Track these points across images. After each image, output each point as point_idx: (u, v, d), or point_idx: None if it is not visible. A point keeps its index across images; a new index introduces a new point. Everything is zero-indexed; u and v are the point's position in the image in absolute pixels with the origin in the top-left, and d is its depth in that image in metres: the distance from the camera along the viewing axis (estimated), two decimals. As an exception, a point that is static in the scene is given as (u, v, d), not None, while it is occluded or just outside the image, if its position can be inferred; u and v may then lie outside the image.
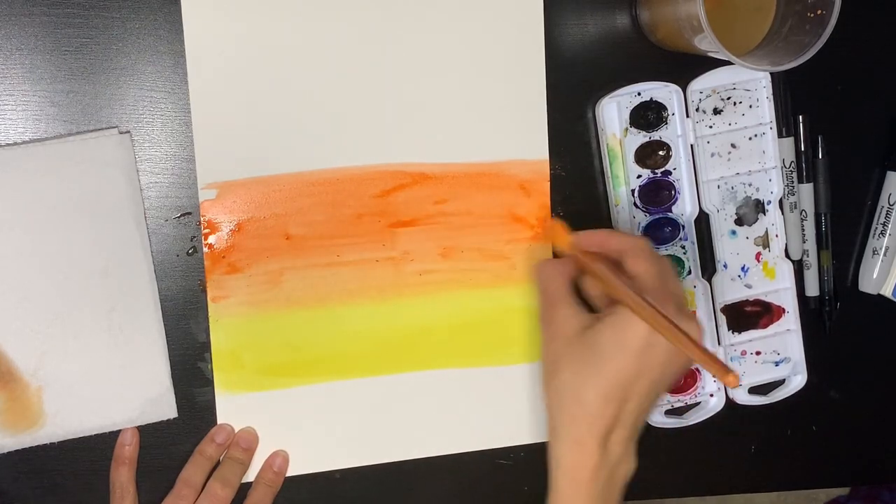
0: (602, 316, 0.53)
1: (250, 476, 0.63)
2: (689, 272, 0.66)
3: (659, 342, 0.51)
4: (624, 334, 0.51)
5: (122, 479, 0.60)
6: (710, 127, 0.65)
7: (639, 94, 0.63)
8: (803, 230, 0.68)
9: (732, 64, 0.56)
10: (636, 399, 0.52)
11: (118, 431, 0.61)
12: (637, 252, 0.54)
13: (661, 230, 0.65)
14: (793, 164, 0.66)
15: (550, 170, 0.64)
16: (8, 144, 0.58)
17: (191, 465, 0.61)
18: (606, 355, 0.51)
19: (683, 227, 0.66)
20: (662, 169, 0.65)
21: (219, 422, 0.62)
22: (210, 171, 0.60)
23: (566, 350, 0.53)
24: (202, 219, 0.60)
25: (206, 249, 0.61)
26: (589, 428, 0.51)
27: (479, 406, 0.66)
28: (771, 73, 0.64)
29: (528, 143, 0.64)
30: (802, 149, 0.67)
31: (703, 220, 0.66)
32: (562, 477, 0.53)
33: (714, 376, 0.53)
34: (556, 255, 0.63)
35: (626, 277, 0.53)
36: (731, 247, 0.67)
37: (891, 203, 0.68)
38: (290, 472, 0.64)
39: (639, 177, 0.65)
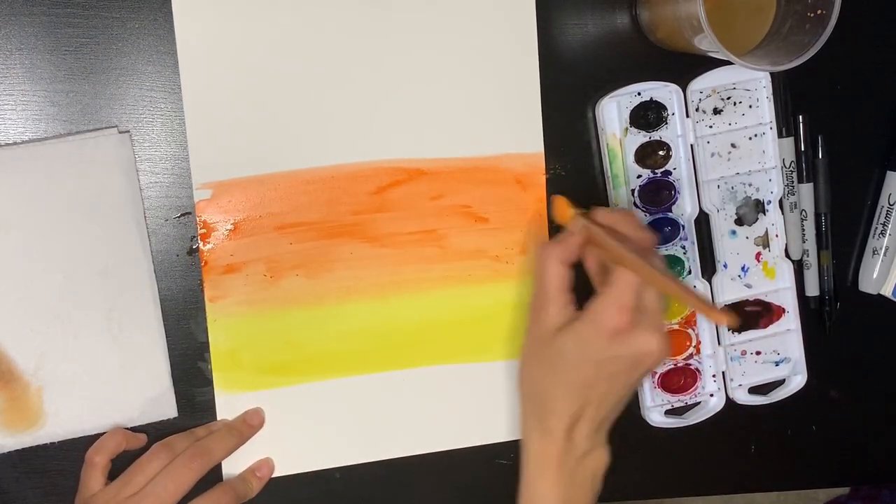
0: (575, 319, 0.54)
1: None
2: (689, 272, 0.66)
3: (620, 354, 0.53)
4: (584, 346, 0.53)
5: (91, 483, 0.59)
6: (710, 127, 0.65)
7: (639, 94, 0.63)
8: (803, 230, 0.68)
9: (732, 64, 0.56)
10: (597, 400, 0.55)
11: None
12: (628, 221, 0.56)
13: (661, 230, 0.65)
14: (793, 164, 0.66)
15: (550, 170, 0.64)
16: (8, 144, 0.58)
17: (177, 436, 0.60)
18: (569, 363, 0.54)
19: (683, 227, 0.66)
20: (662, 169, 0.65)
21: (218, 416, 0.62)
22: (204, 171, 0.60)
23: (540, 349, 0.56)
24: (197, 219, 0.60)
25: (202, 250, 0.61)
26: (554, 419, 0.55)
27: (477, 402, 0.66)
28: (771, 73, 0.64)
29: (523, 137, 0.64)
30: (802, 149, 0.67)
31: (703, 220, 0.66)
32: (530, 461, 0.57)
33: (717, 323, 0.55)
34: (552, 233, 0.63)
35: (626, 243, 0.55)
36: (731, 247, 0.67)
37: (891, 203, 0.68)
38: (291, 471, 0.64)
39: (639, 177, 0.65)
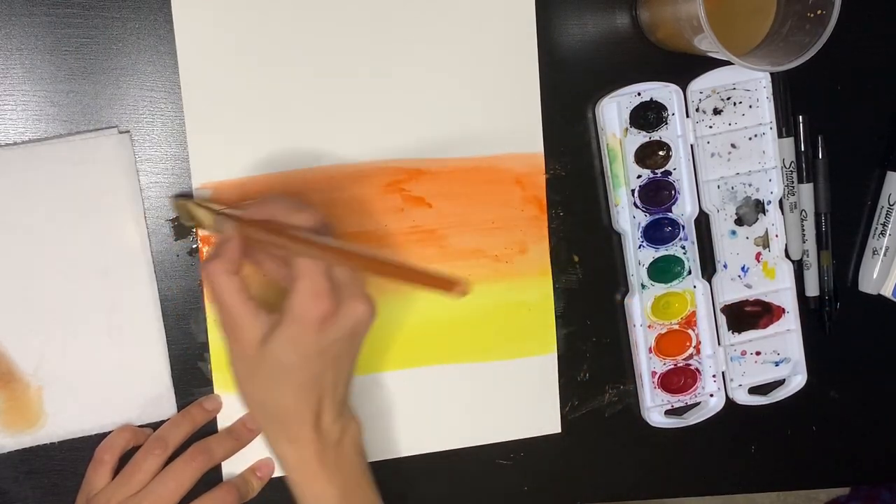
0: (276, 324, 0.52)
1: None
2: (689, 272, 0.66)
3: (336, 337, 0.51)
4: (298, 345, 0.51)
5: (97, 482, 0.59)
6: (710, 127, 0.65)
7: (639, 94, 0.63)
8: (803, 230, 0.68)
9: (732, 64, 0.56)
10: (331, 387, 0.54)
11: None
12: (282, 207, 0.53)
13: (661, 230, 0.65)
14: (793, 164, 0.66)
15: (550, 170, 0.64)
16: (8, 144, 0.58)
17: (169, 424, 0.60)
18: (290, 368, 0.52)
19: (683, 227, 0.66)
20: (662, 169, 0.65)
21: (219, 422, 0.62)
22: (204, 171, 0.60)
23: (253, 367, 0.53)
24: (200, 219, 0.60)
25: (202, 250, 0.61)
26: (298, 426, 0.54)
27: (477, 402, 0.66)
28: (771, 73, 0.64)
29: (523, 137, 0.64)
30: (802, 149, 0.67)
31: (703, 220, 0.66)
32: (294, 472, 0.56)
33: (442, 292, 0.47)
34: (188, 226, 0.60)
35: (291, 231, 0.51)
36: (731, 247, 0.67)
37: (891, 203, 0.68)
38: (290, 472, 0.64)
39: (639, 177, 0.65)
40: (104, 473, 0.58)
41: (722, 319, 0.67)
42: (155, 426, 0.61)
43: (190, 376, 0.62)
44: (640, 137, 0.64)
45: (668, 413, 0.68)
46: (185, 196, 0.59)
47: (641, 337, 0.66)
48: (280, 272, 0.55)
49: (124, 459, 0.59)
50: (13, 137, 0.58)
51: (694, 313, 0.67)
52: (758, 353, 0.68)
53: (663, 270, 0.66)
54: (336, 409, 0.55)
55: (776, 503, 1.48)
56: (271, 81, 0.60)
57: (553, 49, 0.63)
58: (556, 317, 0.66)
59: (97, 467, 0.58)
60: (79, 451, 0.60)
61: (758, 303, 0.68)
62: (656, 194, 0.65)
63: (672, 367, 0.67)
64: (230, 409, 0.62)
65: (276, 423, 0.55)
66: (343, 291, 0.52)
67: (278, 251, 0.53)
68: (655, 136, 0.64)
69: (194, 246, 0.61)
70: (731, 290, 0.67)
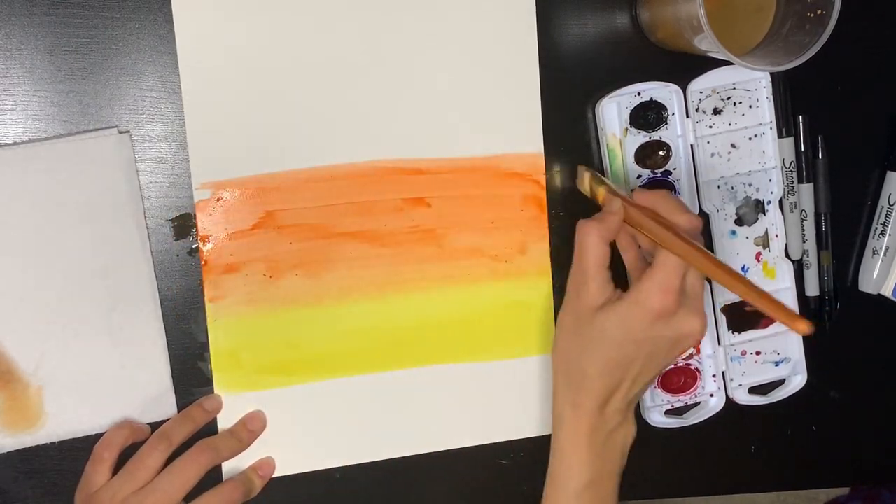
0: (615, 299, 0.56)
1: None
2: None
3: (662, 335, 0.55)
4: (628, 325, 0.54)
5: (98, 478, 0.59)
6: (710, 127, 0.65)
7: (639, 94, 0.63)
8: (803, 230, 0.68)
9: (732, 64, 0.56)
10: (632, 377, 0.56)
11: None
12: (670, 203, 0.57)
13: (661, 230, 0.65)
14: (793, 164, 0.66)
15: (550, 170, 0.64)
16: (8, 144, 0.58)
17: (173, 422, 0.60)
18: (609, 341, 0.55)
19: (683, 227, 0.65)
20: (662, 169, 0.65)
21: (219, 422, 0.62)
22: (204, 171, 0.60)
23: (578, 325, 0.57)
24: (197, 219, 0.60)
25: (202, 250, 0.61)
26: (588, 395, 0.57)
27: (477, 401, 0.66)
28: (771, 73, 0.64)
29: (523, 137, 0.64)
30: (802, 149, 0.67)
31: (703, 221, 0.66)
32: (562, 434, 0.58)
33: (782, 323, 0.51)
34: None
35: (667, 226, 0.55)
36: (731, 247, 0.67)
37: (891, 203, 0.68)
38: (291, 471, 0.64)
39: (639, 177, 0.65)
40: (103, 471, 0.58)
41: (722, 319, 0.67)
42: (155, 426, 0.61)
43: (190, 376, 0.62)
44: (640, 137, 0.64)
45: (668, 413, 0.68)
46: (591, 168, 0.62)
47: (641, 337, 0.66)
48: (633, 261, 0.59)
49: (123, 457, 0.59)
50: (13, 137, 0.58)
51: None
52: (758, 353, 0.68)
53: (663, 270, 0.66)
54: (626, 400, 0.57)
55: (776, 503, 1.48)
56: (271, 81, 0.60)
57: (553, 49, 0.63)
58: (556, 316, 0.66)
59: (96, 464, 0.58)
60: (79, 451, 0.60)
61: (758, 303, 0.68)
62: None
63: (672, 367, 0.67)
64: (231, 409, 0.62)
65: (570, 384, 0.58)
66: (688, 300, 0.55)
67: (647, 240, 0.57)
68: (655, 136, 0.64)
69: (194, 246, 0.61)
70: (731, 290, 0.67)
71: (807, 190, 0.67)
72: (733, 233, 0.66)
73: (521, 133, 0.64)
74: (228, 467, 0.62)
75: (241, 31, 0.59)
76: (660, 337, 0.55)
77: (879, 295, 0.70)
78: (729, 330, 0.68)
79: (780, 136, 0.66)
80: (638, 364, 0.56)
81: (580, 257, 0.57)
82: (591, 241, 0.56)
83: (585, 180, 0.61)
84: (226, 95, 0.60)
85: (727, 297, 0.67)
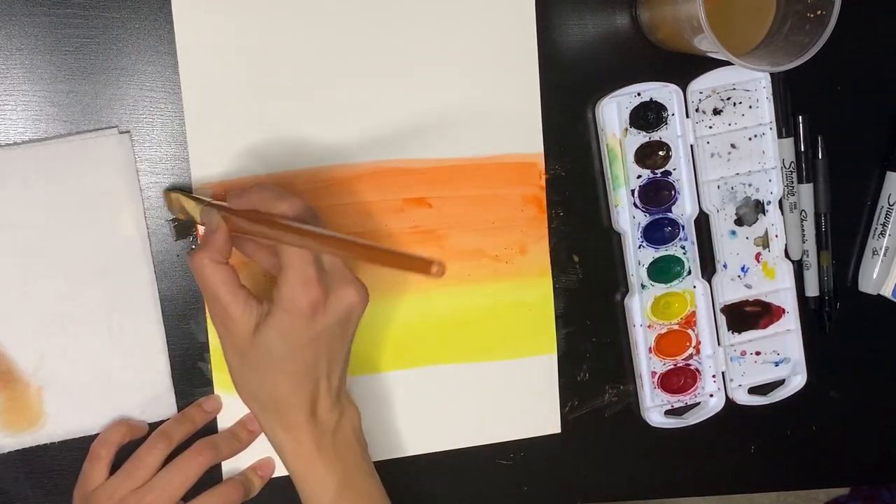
0: (266, 314, 0.52)
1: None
2: (689, 272, 0.66)
3: (327, 324, 0.52)
4: (290, 335, 0.52)
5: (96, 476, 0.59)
6: (710, 127, 0.65)
7: (639, 94, 0.63)
8: (803, 230, 0.68)
9: (732, 64, 0.56)
10: (324, 375, 0.54)
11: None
12: (265, 197, 0.52)
13: (661, 230, 0.65)
14: (793, 165, 0.66)
15: (550, 170, 0.64)
16: (8, 144, 0.58)
17: (172, 421, 0.60)
18: (283, 357, 0.52)
19: (683, 227, 0.66)
20: (662, 169, 0.65)
21: (219, 422, 0.62)
22: (204, 171, 0.60)
23: (245, 357, 0.54)
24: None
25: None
26: (293, 413, 0.54)
27: (477, 401, 0.66)
28: (771, 73, 0.64)
29: (523, 137, 0.64)
30: (802, 149, 0.67)
31: (703, 221, 0.66)
32: (292, 459, 0.56)
33: (420, 273, 0.47)
34: (181, 221, 0.60)
35: (281, 221, 0.51)
36: (731, 247, 0.67)
37: (891, 203, 0.68)
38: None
39: (639, 177, 0.65)
40: (101, 468, 0.58)
41: (722, 319, 0.67)
42: (155, 426, 0.61)
43: (190, 376, 0.62)
44: (640, 137, 0.64)
45: (668, 413, 0.68)
46: (176, 188, 0.59)
47: (641, 337, 0.66)
48: (270, 261, 0.55)
49: (121, 455, 0.59)
50: (13, 137, 0.58)
51: (694, 313, 0.67)
52: (758, 353, 0.68)
53: (663, 270, 0.66)
54: (332, 396, 0.55)
55: (776, 503, 1.48)
56: (271, 81, 0.60)
57: (553, 49, 0.63)
58: (556, 317, 0.66)
59: (94, 463, 0.58)
60: (79, 451, 0.60)
61: (758, 303, 0.68)
62: (656, 194, 0.65)
63: (672, 367, 0.67)
64: (231, 409, 0.62)
65: (271, 413, 0.55)
66: (332, 278, 0.52)
67: (265, 241, 0.53)
68: (655, 136, 0.64)
69: (194, 246, 0.61)
70: (731, 290, 0.67)
71: (807, 190, 0.67)
72: (733, 233, 0.67)
73: (521, 133, 0.64)
74: (228, 467, 0.62)
75: (241, 31, 0.59)
76: (326, 327, 0.52)
77: (879, 295, 0.70)
78: (729, 330, 0.68)
79: (780, 136, 0.66)
80: (322, 361, 0.53)
81: (207, 291, 0.52)
82: (208, 270, 0.52)
83: (174, 203, 0.58)
84: (226, 95, 0.60)
85: (727, 297, 0.67)
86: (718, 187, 0.66)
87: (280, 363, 0.53)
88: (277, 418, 0.55)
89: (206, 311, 0.61)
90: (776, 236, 0.67)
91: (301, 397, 0.54)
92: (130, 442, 0.60)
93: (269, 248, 0.54)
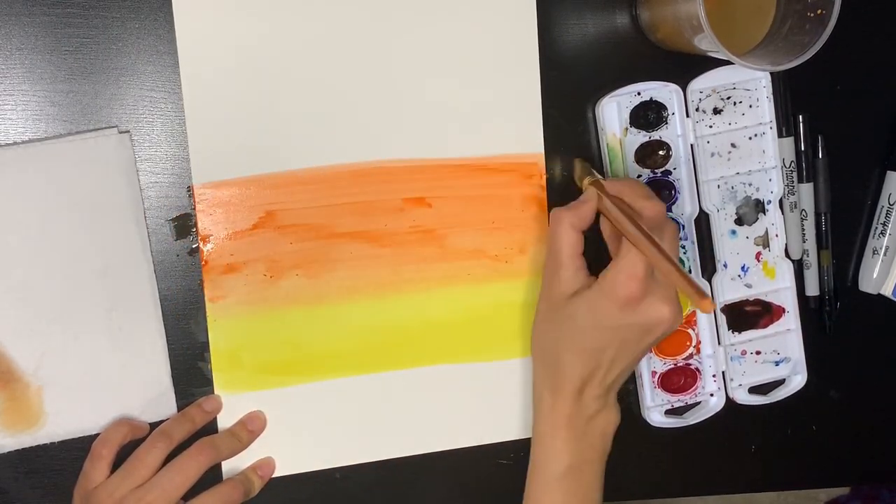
0: (587, 287, 0.56)
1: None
2: (690, 271, 0.66)
3: (631, 322, 0.55)
4: (596, 313, 0.55)
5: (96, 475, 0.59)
6: (710, 127, 0.65)
7: (639, 93, 0.63)
8: (803, 230, 0.68)
9: (732, 64, 0.56)
10: (606, 364, 0.57)
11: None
12: (634, 191, 0.57)
13: (661, 230, 0.65)
14: (793, 164, 0.66)
15: (550, 170, 0.64)
16: (8, 144, 0.58)
17: (172, 421, 0.60)
18: (580, 328, 0.56)
19: (683, 226, 0.66)
20: (662, 169, 0.65)
21: (219, 422, 0.62)
22: (204, 171, 0.60)
23: (553, 313, 0.58)
24: (197, 219, 0.60)
25: (202, 249, 0.61)
26: (564, 380, 0.57)
27: (477, 402, 0.66)
28: (771, 73, 0.64)
29: (523, 137, 0.64)
30: (802, 149, 0.67)
31: (703, 220, 0.66)
32: (542, 419, 0.59)
33: (700, 309, 0.52)
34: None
35: (635, 217, 0.55)
36: (731, 246, 0.67)
37: (891, 203, 0.68)
38: (291, 471, 0.64)
39: (639, 177, 0.65)
40: (102, 468, 0.58)
41: (722, 319, 0.67)
42: (155, 427, 0.61)
43: (190, 376, 0.62)
44: (640, 137, 0.64)
45: (668, 413, 0.68)
46: (584, 161, 0.63)
47: (641, 337, 0.66)
48: (614, 244, 0.58)
49: (122, 454, 0.59)
50: (13, 137, 0.58)
51: (694, 313, 0.67)
52: (758, 353, 0.68)
53: (663, 270, 0.66)
54: (603, 387, 0.57)
55: (776, 503, 1.48)
56: (271, 81, 0.60)
57: (553, 49, 0.63)
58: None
59: (95, 462, 0.58)
60: (79, 451, 0.60)
61: (758, 302, 0.68)
62: (656, 194, 0.65)
63: (672, 366, 0.67)
64: (231, 409, 0.62)
65: (547, 369, 0.58)
66: (657, 287, 0.55)
67: (616, 226, 0.57)
68: (655, 135, 0.64)
69: (194, 246, 0.61)
70: (731, 290, 0.67)
71: (807, 190, 0.67)
72: (733, 233, 0.66)
73: (522, 133, 0.64)
74: (228, 467, 0.62)
75: (242, 31, 0.59)
76: (629, 324, 0.55)
77: (879, 295, 0.70)
78: (729, 330, 0.68)
79: (780, 135, 0.66)
80: (611, 351, 0.56)
81: (552, 245, 0.57)
82: (563, 229, 0.56)
83: (577, 171, 0.62)
84: (226, 95, 0.60)
85: (727, 296, 0.67)
86: (718, 187, 0.66)
87: (575, 333, 0.56)
88: (550, 376, 0.58)
89: (206, 310, 0.61)
90: (776, 236, 0.67)
91: (577, 371, 0.56)
92: (131, 441, 0.60)
93: (617, 233, 0.57)
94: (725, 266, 0.67)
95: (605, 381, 0.57)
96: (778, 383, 0.70)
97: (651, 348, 0.59)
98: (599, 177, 0.60)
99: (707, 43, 0.55)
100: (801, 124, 0.66)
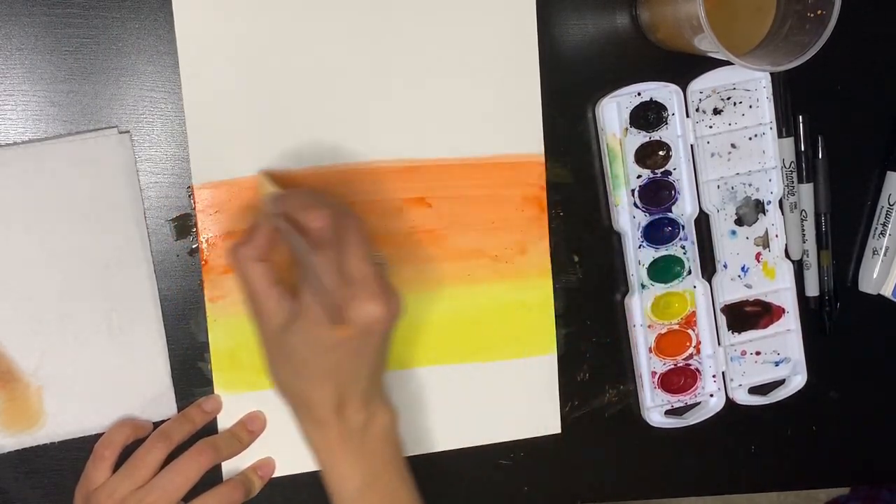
0: (296, 314, 0.52)
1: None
2: (689, 272, 0.66)
3: (340, 335, 0.52)
4: (313, 340, 0.53)
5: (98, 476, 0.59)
6: (710, 127, 0.65)
7: (639, 94, 0.63)
8: (803, 230, 0.68)
9: (732, 64, 0.56)
10: (350, 379, 0.54)
11: (118, 431, 0.61)
12: (298, 204, 0.53)
13: (661, 230, 0.65)
14: (793, 164, 0.66)
15: (550, 170, 0.64)
16: (8, 144, 0.58)
17: (172, 421, 0.60)
18: (305, 360, 0.54)
19: (683, 227, 0.66)
20: (662, 169, 0.65)
21: (219, 422, 0.62)
22: (204, 171, 0.60)
23: (276, 349, 0.55)
24: (197, 219, 0.60)
25: (202, 250, 0.61)
26: (319, 410, 0.55)
27: (477, 402, 0.66)
28: (771, 73, 0.64)
29: (523, 137, 0.64)
30: (802, 149, 0.67)
31: (703, 220, 0.66)
32: (319, 452, 0.57)
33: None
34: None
35: (304, 231, 0.52)
36: (731, 247, 0.67)
37: (891, 203, 0.68)
38: (291, 471, 0.64)
39: (639, 177, 0.65)
40: (104, 469, 0.58)
41: (722, 319, 0.67)
42: (155, 426, 0.61)
43: (190, 376, 0.62)
44: (640, 137, 0.64)
45: (668, 413, 0.68)
46: (267, 171, 0.60)
47: (641, 337, 0.66)
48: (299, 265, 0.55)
49: (123, 455, 0.59)
50: (13, 137, 0.58)
51: (694, 313, 0.67)
52: (758, 353, 0.68)
53: (663, 270, 0.66)
54: (361, 398, 0.55)
55: (776, 503, 1.48)
56: (271, 81, 0.60)
57: (553, 49, 0.63)
58: (556, 317, 0.66)
59: (97, 463, 0.58)
60: (79, 451, 0.60)
61: (758, 303, 0.68)
62: (656, 194, 0.65)
63: (672, 367, 0.67)
64: (231, 409, 0.62)
65: (301, 406, 0.56)
66: (358, 289, 0.51)
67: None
68: (655, 136, 0.64)
69: (194, 246, 0.61)
70: (731, 290, 0.67)
71: (807, 190, 0.68)
72: (733, 233, 0.67)
73: (521, 133, 0.64)
74: (228, 467, 0.62)
75: (241, 31, 0.59)
76: (348, 337, 0.52)
77: (879, 295, 0.70)
78: (729, 330, 0.68)
79: (780, 136, 0.66)
80: (347, 366, 0.54)
81: (245, 286, 0.54)
82: (246, 266, 0.53)
83: (259, 186, 0.59)
84: (226, 95, 0.60)
85: (727, 297, 0.67)
86: (718, 187, 0.66)
87: (302, 363, 0.54)
88: (306, 412, 0.56)
89: (206, 310, 0.61)
90: (776, 236, 0.67)
91: (325, 397, 0.54)
92: (134, 441, 0.60)
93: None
94: (725, 266, 0.67)
95: (358, 393, 0.55)
96: (778, 384, 0.70)
97: (387, 345, 0.55)
98: (273, 191, 0.56)
99: (707, 43, 0.55)
100: (801, 125, 0.66)
